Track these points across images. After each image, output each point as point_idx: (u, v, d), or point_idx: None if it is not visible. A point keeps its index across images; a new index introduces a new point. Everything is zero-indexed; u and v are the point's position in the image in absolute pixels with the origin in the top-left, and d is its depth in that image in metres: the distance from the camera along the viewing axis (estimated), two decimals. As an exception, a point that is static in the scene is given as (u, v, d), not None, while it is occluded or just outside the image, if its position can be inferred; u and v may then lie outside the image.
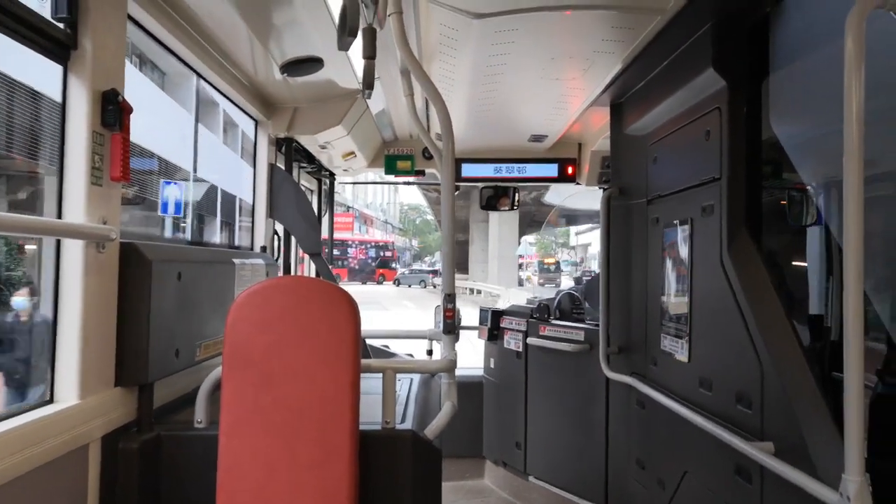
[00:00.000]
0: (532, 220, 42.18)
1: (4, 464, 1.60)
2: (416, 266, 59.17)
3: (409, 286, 45.25)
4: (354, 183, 7.14)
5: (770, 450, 2.30)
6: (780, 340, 2.39)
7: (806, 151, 2.60)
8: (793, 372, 2.30)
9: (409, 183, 6.07)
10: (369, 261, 51.03)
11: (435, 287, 45.49)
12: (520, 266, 44.94)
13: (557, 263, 50.18)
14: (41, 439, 1.74)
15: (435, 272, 56.15)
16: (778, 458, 2.19)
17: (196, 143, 3.81)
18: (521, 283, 39.65)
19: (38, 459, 1.73)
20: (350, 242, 50.36)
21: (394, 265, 52.19)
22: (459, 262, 55.12)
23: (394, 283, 48.02)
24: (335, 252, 47.47)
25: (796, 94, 2.58)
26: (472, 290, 38.62)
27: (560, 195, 18.94)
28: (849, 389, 1.73)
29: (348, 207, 55.20)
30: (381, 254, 52.24)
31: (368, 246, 52.86)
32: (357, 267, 49.83)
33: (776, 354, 2.36)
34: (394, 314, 23.54)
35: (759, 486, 2.43)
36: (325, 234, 5.64)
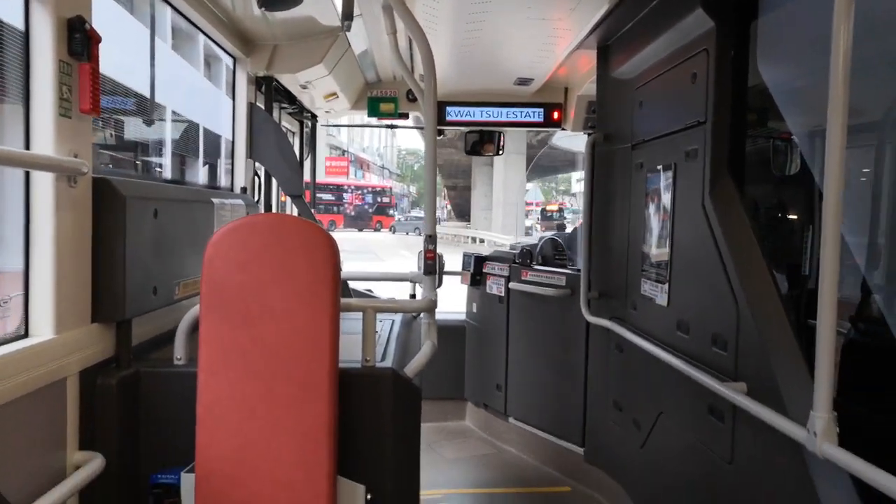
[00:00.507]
0: (536, 165, 39.37)
1: None
2: (414, 213, 56.91)
3: (407, 233, 43.52)
4: (337, 125, 7.03)
5: (743, 390, 2.35)
6: (758, 284, 2.41)
7: (792, 98, 2.58)
8: (768, 315, 2.33)
9: (392, 126, 5.98)
10: (366, 207, 48.75)
11: None
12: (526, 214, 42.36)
13: (561, 210, 48.45)
14: (17, 372, 1.73)
15: None
16: (750, 398, 2.24)
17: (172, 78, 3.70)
18: (528, 232, 37.05)
19: (16, 391, 1.72)
20: (346, 187, 48.18)
21: (391, 212, 49.86)
22: (461, 208, 53.26)
23: (390, 230, 46.32)
24: (330, 197, 44.54)
25: (784, 37, 2.54)
26: (474, 239, 36.33)
27: (571, 140, 18.24)
28: (821, 328, 1.76)
29: (343, 151, 52.59)
30: (379, 200, 49.86)
31: (365, 191, 50.31)
32: (353, 213, 47.70)
33: (753, 298, 2.39)
34: (390, 265, 22.90)
35: (730, 425, 2.49)
36: (308, 177, 5.58)
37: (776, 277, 2.47)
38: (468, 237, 37.72)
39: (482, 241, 34.67)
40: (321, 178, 46.77)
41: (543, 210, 49.23)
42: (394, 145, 72.80)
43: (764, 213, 3.84)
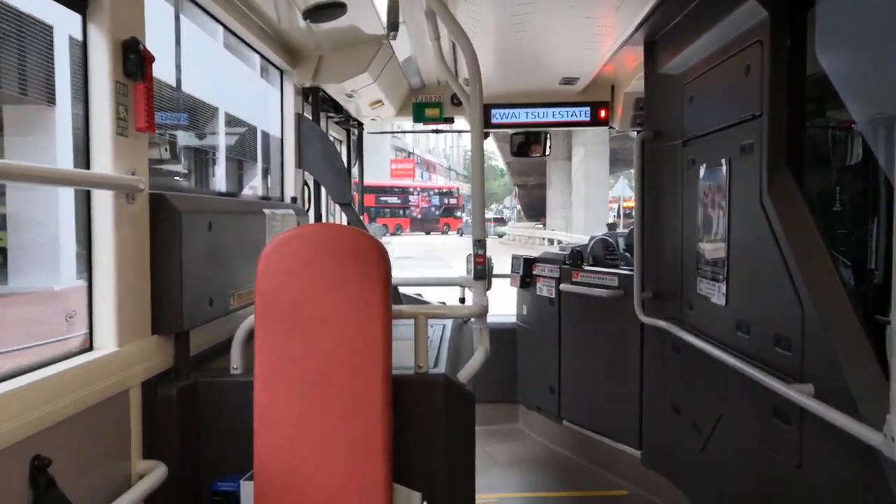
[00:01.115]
0: (615, 159, 33.48)
1: (50, 407, 1.65)
2: None
3: None
4: (383, 132, 7.08)
5: (810, 392, 2.26)
6: (822, 282, 2.32)
7: (854, 86, 2.47)
8: (835, 313, 2.24)
9: (437, 131, 5.99)
10: (433, 209, 47.24)
11: (501, 237, 42.68)
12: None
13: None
14: (83, 384, 1.79)
15: (500, 220, 52.25)
16: (818, 400, 2.15)
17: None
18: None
19: (82, 403, 1.78)
20: (412, 189, 46.84)
21: (459, 214, 47.67)
22: (531, 208, 51.54)
23: (457, 232, 44.22)
24: (395, 200, 44.25)
25: (844, 24, 2.44)
26: (551, 241, 31.94)
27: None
28: (895, 326, 1.67)
29: (409, 153, 51.98)
30: (446, 201, 48.09)
31: (431, 193, 48.90)
32: (420, 216, 46.21)
33: (818, 296, 2.30)
34: (459, 272, 20.45)
35: (797, 428, 2.40)
36: (356, 184, 5.63)
37: (842, 273, 2.37)
38: (543, 238, 35.07)
39: (560, 242, 28.73)
40: (386, 180, 45.97)
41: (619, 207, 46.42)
42: (459, 146, 71.54)
43: (824, 205, 3.70)
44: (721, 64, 3.05)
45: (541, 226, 42.85)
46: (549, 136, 5.44)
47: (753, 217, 2.71)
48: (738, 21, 2.77)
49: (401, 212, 44.89)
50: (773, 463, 2.58)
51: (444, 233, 45.11)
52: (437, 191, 49.89)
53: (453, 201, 48.74)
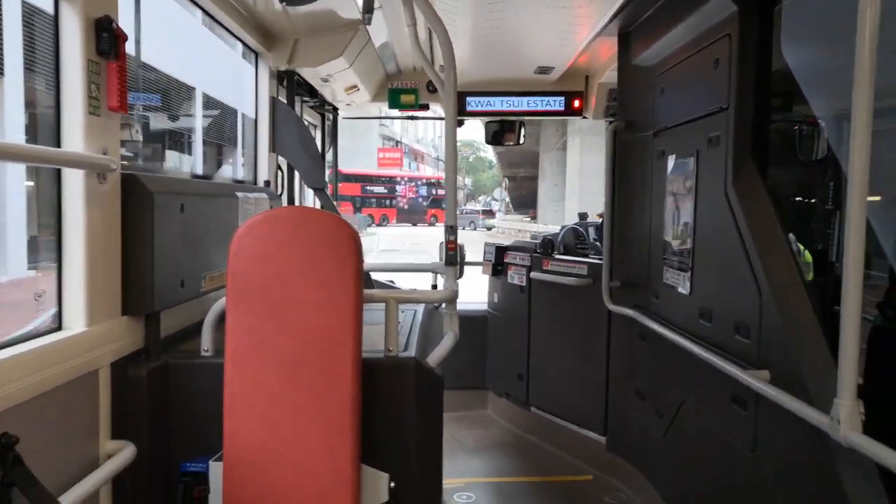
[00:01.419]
0: None
1: (18, 385, 1.65)
2: (469, 206, 52.49)
3: (463, 228, 39.35)
4: (358, 118, 7.03)
5: (766, 378, 2.34)
6: (781, 271, 2.40)
7: (817, 82, 2.55)
8: (791, 302, 2.32)
9: (413, 117, 5.99)
10: (420, 200, 45.78)
11: (490, 229, 41.82)
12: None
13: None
14: (52, 364, 1.79)
15: (489, 212, 50.68)
16: (773, 386, 2.23)
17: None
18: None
19: (51, 382, 1.78)
20: (398, 179, 44.85)
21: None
22: (521, 200, 49.97)
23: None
24: (382, 190, 42.47)
25: (810, 21, 2.50)
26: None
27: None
28: (845, 314, 1.74)
29: (397, 142, 50.04)
30: (434, 192, 46.00)
31: (419, 183, 46.97)
32: (406, 207, 44.50)
33: (776, 285, 2.37)
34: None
35: (753, 413, 2.49)
36: (329, 170, 5.61)
37: (801, 264, 2.45)
38: (538, 233, 33.53)
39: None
40: (373, 170, 43.87)
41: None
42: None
43: (788, 198, 3.79)
44: (691, 56, 3.11)
45: (529, 218, 42.11)
46: (523, 124, 5.48)
47: (718, 208, 2.78)
48: (708, 14, 2.83)
49: (387, 202, 43.60)
50: (730, 447, 2.66)
51: (431, 224, 43.70)
52: (425, 181, 48.43)
53: (441, 192, 46.18)
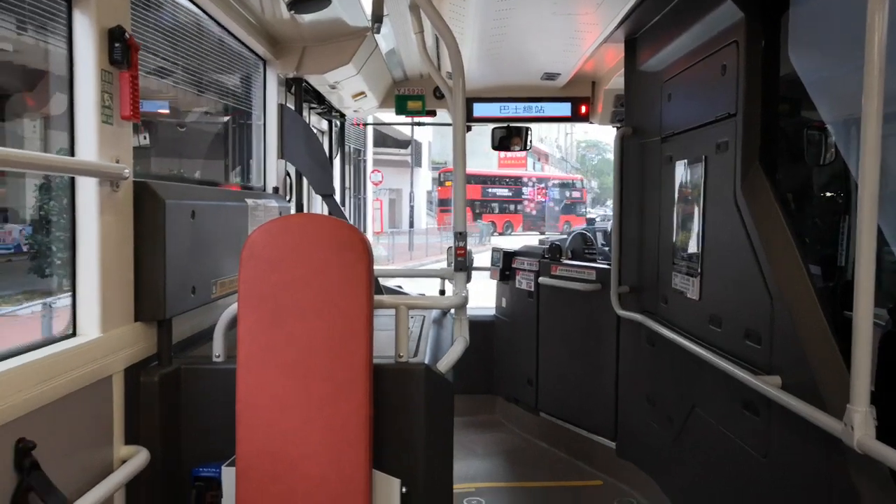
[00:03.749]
0: None
1: (34, 392, 1.66)
2: (598, 211, 41.90)
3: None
4: (367, 124, 7.08)
5: (777, 383, 2.33)
6: (791, 277, 2.39)
7: (825, 88, 2.54)
8: (802, 308, 2.31)
9: (419, 123, 6.01)
10: (551, 204, 38.89)
11: None
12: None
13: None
14: (66, 370, 1.80)
15: None
16: (785, 391, 2.23)
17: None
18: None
19: (65, 388, 1.80)
20: (525, 180, 38.17)
21: (583, 210, 38.54)
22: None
23: None
24: (505, 193, 36.37)
25: (817, 27, 2.51)
26: None
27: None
28: (858, 320, 1.74)
29: None
30: (568, 195, 39.33)
31: (549, 184, 40.03)
32: (534, 212, 37.67)
33: (786, 291, 2.37)
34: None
35: (765, 419, 2.48)
36: (337, 176, 5.63)
37: (811, 269, 2.45)
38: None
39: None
40: (493, 170, 37.51)
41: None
42: (573, 136, 62.67)
43: (798, 203, 3.78)
44: (699, 63, 3.11)
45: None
46: (529, 130, 5.49)
47: (727, 214, 2.78)
48: (715, 21, 2.84)
49: (511, 206, 37.16)
50: (742, 453, 2.66)
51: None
52: (556, 182, 41.25)
53: (577, 195, 40.44)
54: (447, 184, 33.24)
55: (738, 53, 2.70)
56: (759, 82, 2.64)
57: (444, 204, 35.07)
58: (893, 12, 1.68)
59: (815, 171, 3.63)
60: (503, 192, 37.06)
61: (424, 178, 38.26)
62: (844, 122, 2.89)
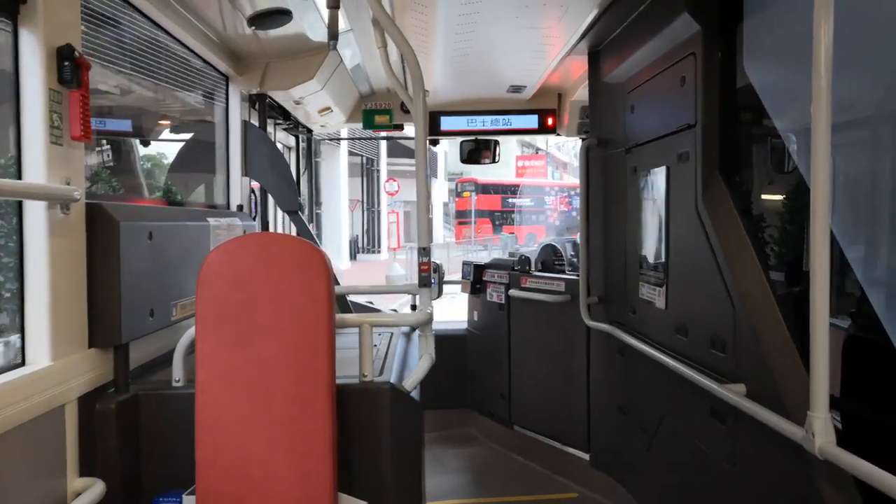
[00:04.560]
0: None
1: None
2: None
3: None
4: (333, 139, 7.04)
5: (742, 392, 2.34)
6: (752, 285, 2.41)
7: (779, 97, 2.58)
8: (763, 315, 2.33)
9: (388, 137, 6.00)
10: (575, 214, 36.18)
11: None
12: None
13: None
14: (14, 401, 1.74)
15: None
16: (749, 399, 2.24)
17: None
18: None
19: (13, 421, 1.73)
20: (547, 189, 36.87)
21: None
22: None
23: None
24: (527, 203, 34.85)
25: (770, 38, 2.55)
26: None
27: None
28: (815, 328, 1.75)
29: (538, 149, 43.49)
30: None
31: (574, 194, 36.32)
32: (559, 222, 35.22)
33: (747, 299, 2.39)
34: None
35: (731, 427, 2.49)
36: (305, 192, 5.59)
37: (771, 277, 2.47)
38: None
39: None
40: (511, 178, 36.83)
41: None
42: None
43: (765, 211, 3.84)
44: (659, 74, 3.15)
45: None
46: (498, 143, 5.51)
47: (690, 223, 2.80)
48: (673, 34, 2.87)
49: (532, 218, 35.31)
50: (711, 461, 2.66)
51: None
52: (577, 191, 39.33)
53: None
54: (465, 195, 33.17)
55: (695, 65, 2.74)
56: (716, 92, 2.67)
57: (462, 216, 34.15)
58: (839, 21, 1.71)
59: (781, 179, 3.68)
60: (525, 202, 35.65)
61: (440, 189, 37.82)
62: (797, 130, 2.94)
